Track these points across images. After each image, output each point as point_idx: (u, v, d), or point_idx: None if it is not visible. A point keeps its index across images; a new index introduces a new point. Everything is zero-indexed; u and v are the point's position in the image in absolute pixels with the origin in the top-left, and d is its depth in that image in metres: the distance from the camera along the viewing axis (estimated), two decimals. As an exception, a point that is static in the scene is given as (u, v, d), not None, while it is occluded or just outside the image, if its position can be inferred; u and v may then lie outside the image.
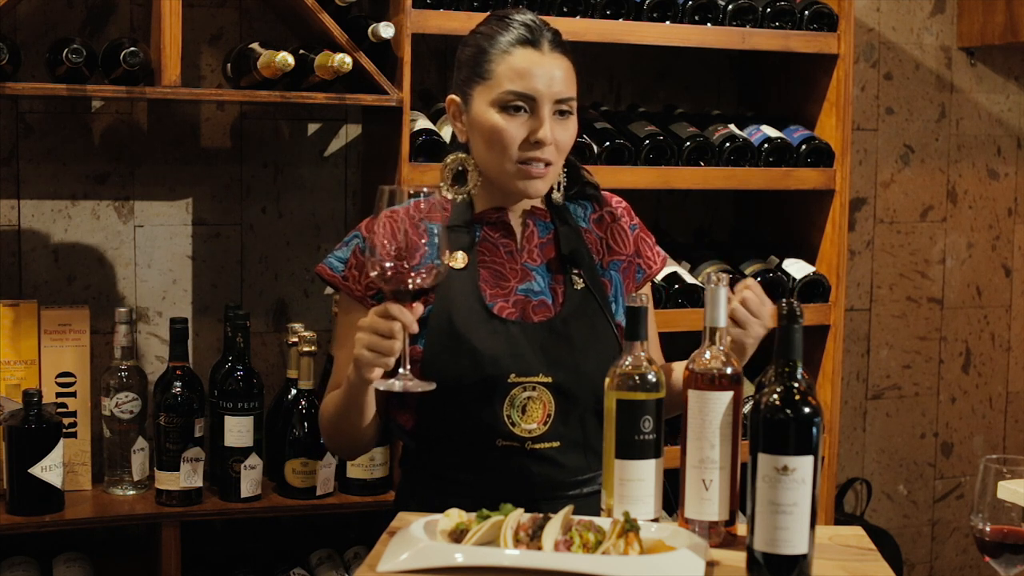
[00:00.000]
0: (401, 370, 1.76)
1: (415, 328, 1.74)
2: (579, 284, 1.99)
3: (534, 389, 1.92)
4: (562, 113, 1.95)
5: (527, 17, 1.97)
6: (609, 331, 1.98)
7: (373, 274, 1.71)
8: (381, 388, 1.77)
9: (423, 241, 1.72)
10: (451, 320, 1.93)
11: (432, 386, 1.77)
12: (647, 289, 2.14)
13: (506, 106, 1.93)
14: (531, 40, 1.94)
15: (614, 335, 1.98)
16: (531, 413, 1.92)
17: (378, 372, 1.77)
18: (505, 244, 2.01)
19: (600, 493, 1.83)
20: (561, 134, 1.95)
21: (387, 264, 1.69)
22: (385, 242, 1.71)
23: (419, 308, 1.74)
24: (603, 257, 2.05)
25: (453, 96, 2.01)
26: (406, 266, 1.70)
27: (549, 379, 1.92)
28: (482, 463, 1.93)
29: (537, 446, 1.93)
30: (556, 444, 1.94)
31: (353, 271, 1.99)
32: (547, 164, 1.94)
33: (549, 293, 1.99)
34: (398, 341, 1.73)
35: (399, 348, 1.74)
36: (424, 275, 1.70)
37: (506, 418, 1.91)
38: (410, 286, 1.71)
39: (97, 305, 2.86)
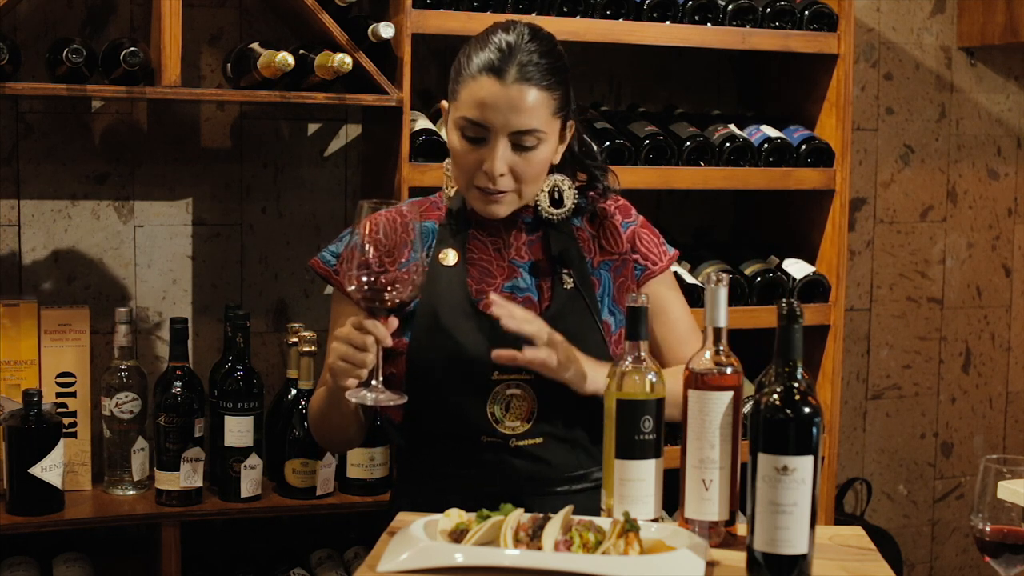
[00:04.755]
0: (373, 382, 1.78)
1: (389, 342, 1.76)
2: (568, 284, 1.99)
3: (518, 387, 1.93)
4: (522, 146, 1.91)
5: (508, 38, 1.90)
6: (595, 331, 1.98)
7: (351, 288, 1.74)
8: (353, 400, 1.79)
9: (411, 239, 1.75)
10: (437, 314, 1.94)
11: (404, 399, 1.79)
12: (663, 282, 2.08)
13: (463, 132, 1.93)
14: (496, 68, 1.88)
15: (600, 335, 1.98)
16: (515, 410, 1.93)
17: (352, 381, 1.78)
18: (493, 241, 2.02)
19: (593, 490, 1.83)
20: (521, 165, 1.91)
21: (364, 279, 1.72)
22: (375, 237, 1.73)
23: (394, 322, 1.76)
24: (594, 256, 2.05)
25: (444, 101, 2.03)
26: (383, 281, 1.72)
27: (532, 376, 1.91)
28: (468, 459, 1.94)
29: (521, 443, 1.93)
30: (539, 441, 1.94)
31: (344, 265, 1.99)
32: (503, 192, 1.93)
33: (535, 290, 2.00)
34: (371, 354, 1.76)
35: (371, 361, 1.76)
36: (400, 289, 1.72)
37: (490, 415, 1.92)
38: (387, 302, 1.73)
39: (97, 305, 2.86)
